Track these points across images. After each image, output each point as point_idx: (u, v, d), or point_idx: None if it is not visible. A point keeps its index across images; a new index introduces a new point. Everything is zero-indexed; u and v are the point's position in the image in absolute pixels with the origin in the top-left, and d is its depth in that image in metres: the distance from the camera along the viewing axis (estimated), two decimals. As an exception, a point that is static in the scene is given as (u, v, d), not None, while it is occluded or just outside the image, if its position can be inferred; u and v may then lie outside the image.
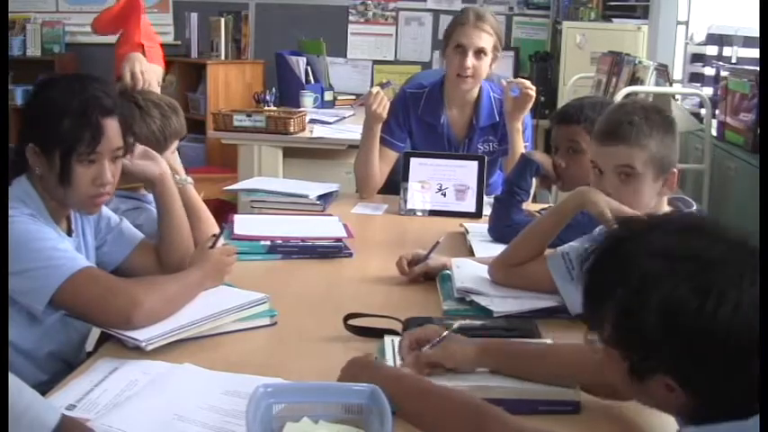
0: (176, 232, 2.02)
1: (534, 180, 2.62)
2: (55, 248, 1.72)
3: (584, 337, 1.22)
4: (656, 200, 1.96)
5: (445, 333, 1.57)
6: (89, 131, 1.74)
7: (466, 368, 1.54)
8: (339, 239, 2.43)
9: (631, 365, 1.14)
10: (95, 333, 1.89)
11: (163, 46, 3.52)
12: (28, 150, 1.76)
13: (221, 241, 2.09)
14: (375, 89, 3.00)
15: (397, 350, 1.61)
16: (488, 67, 3.01)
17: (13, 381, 1.26)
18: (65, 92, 1.76)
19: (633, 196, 1.92)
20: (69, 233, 1.88)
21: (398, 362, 1.55)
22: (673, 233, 1.14)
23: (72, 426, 1.32)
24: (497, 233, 2.51)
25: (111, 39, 3.71)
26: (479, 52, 2.96)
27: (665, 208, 1.98)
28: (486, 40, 2.97)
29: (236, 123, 4.31)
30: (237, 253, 2.25)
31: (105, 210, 2.00)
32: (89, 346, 1.95)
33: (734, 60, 4.25)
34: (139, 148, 1.99)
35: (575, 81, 4.87)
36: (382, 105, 2.97)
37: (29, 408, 1.25)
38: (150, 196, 2.15)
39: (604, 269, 1.16)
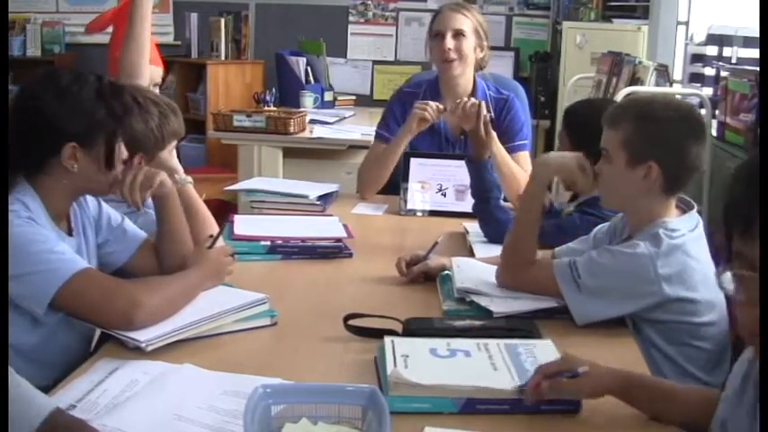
0: (176, 238, 2.01)
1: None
2: (51, 251, 1.72)
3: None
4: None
5: (586, 369, 1.47)
6: (122, 109, 1.83)
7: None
8: (339, 240, 2.43)
9: None
10: (98, 333, 1.89)
11: (159, 46, 3.52)
12: (65, 151, 1.77)
13: (221, 241, 2.09)
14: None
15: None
16: (473, 51, 3.02)
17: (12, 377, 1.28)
18: (78, 84, 1.79)
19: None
20: (70, 233, 1.88)
21: (398, 362, 1.54)
22: None
23: (61, 422, 1.32)
24: (491, 237, 2.53)
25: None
26: (458, 34, 3.00)
27: (674, 210, 1.97)
28: (462, 21, 3.01)
29: (235, 123, 4.31)
30: (237, 253, 2.27)
31: (105, 207, 2.00)
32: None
33: (734, 61, 4.25)
34: (147, 179, 1.94)
35: (575, 81, 4.86)
36: (424, 116, 2.89)
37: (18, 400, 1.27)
38: (148, 200, 2.14)
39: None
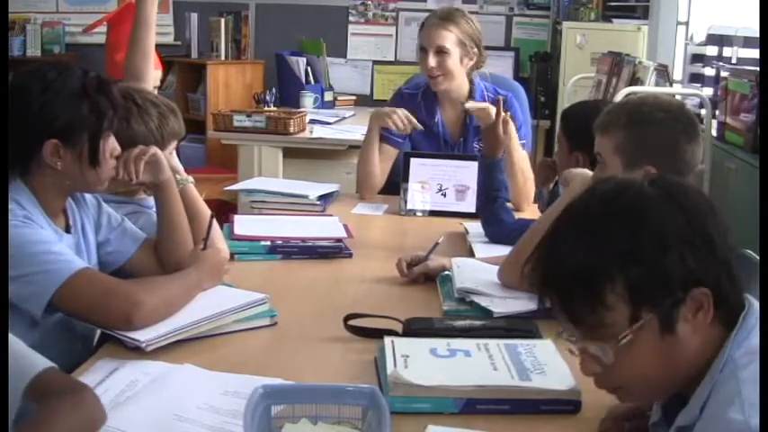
0: (177, 234, 2.01)
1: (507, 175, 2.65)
2: (49, 252, 1.71)
3: (559, 337, 1.21)
4: None
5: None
6: (107, 105, 1.80)
7: None
8: (339, 240, 2.43)
9: (663, 315, 1.12)
10: (99, 333, 1.89)
11: (158, 46, 3.51)
12: (47, 148, 1.75)
13: (221, 239, 2.09)
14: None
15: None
16: (459, 63, 3.02)
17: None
18: (62, 79, 1.77)
19: None
20: (68, 230, 1.88)
21: (398, 362, 1.54)
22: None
23: (57, 380, 1.32)
24: (492, 237, 2.54)
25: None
26: (440, 51, 2.99)
27: None
28: (445, 37, 2.99)
29: (236, 124, 4.31)
30: (237, 253, 2.27)
31: (105, 206, 2.00)
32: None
33: (734, 61, 4.25)
34: (141, 151, 1.97)
35: (575, 81, 4.87)
36: (395, 119, 2.96)
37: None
38: (149, 200, 2.14)
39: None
